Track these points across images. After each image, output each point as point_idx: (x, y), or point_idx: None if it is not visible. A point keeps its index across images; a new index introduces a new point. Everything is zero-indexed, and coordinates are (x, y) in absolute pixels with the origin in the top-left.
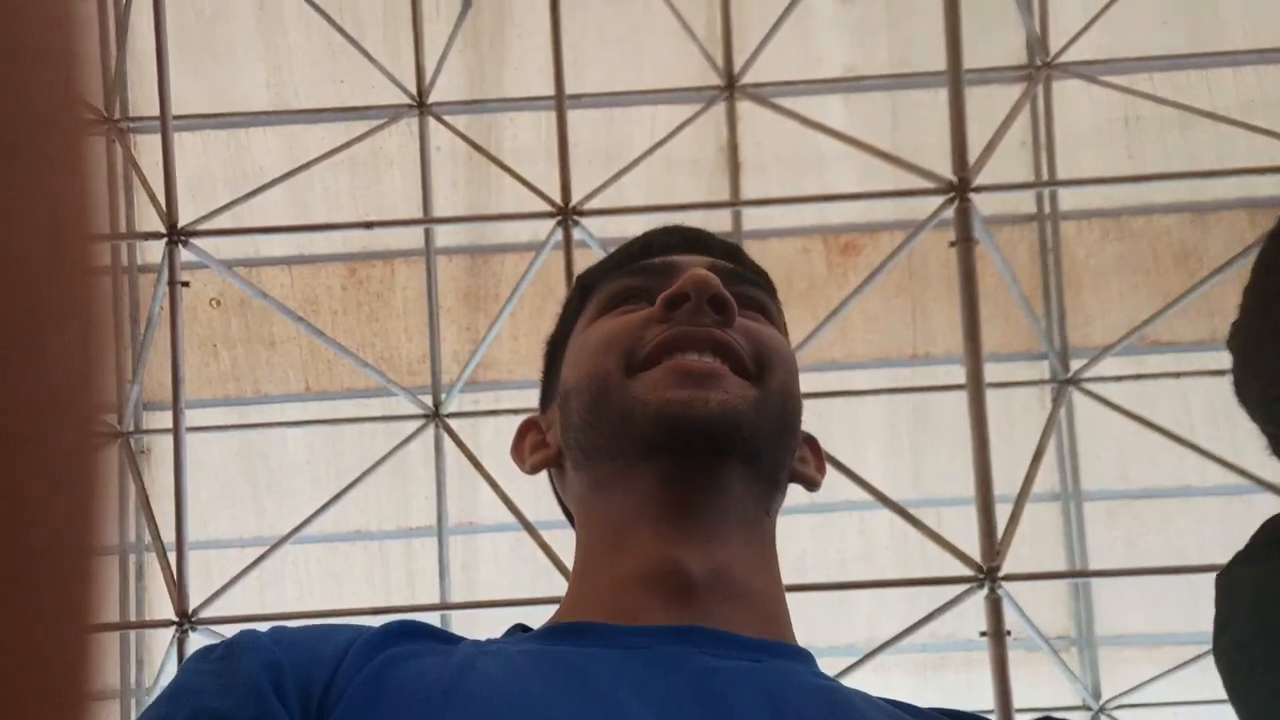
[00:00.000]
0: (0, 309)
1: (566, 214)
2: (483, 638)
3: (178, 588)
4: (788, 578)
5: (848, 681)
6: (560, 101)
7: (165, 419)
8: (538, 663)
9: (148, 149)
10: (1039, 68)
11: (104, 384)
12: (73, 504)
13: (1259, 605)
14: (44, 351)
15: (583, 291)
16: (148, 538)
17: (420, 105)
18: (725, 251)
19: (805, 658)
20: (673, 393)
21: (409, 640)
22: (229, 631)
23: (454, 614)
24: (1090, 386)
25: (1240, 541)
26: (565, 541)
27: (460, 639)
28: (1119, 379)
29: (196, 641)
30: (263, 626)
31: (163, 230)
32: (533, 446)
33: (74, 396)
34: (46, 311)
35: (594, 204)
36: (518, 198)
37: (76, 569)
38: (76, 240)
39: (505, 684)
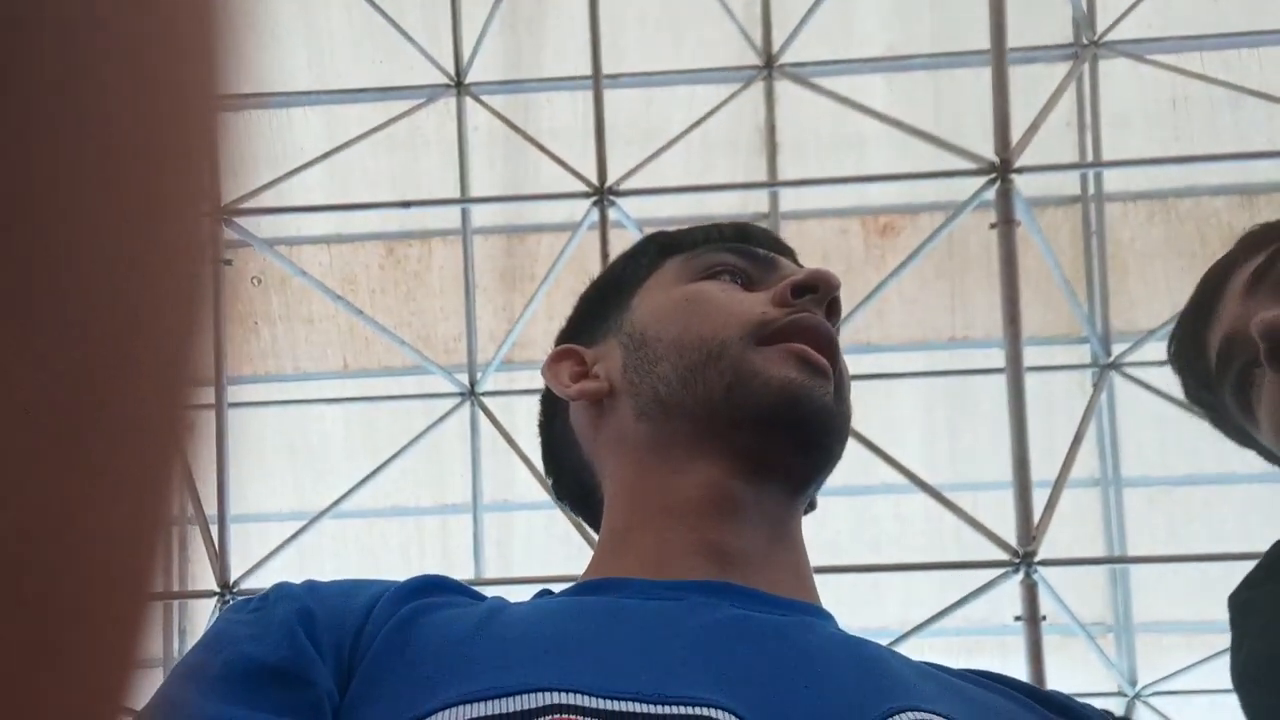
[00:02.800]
0: (124, 290)
1: (603, 194)
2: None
3: (219, 559)
4: (822, 559)
5: None
6: (597, 81)
7: (208, 394)
8: (567, 608)
9: None
10: (1085, 46)
11: (197, 365)
12: (156, 480)
13: (1271, 626)
14: (151, 329)
15: (661, 250)
16: (190, 511)
17: (458, 85)
18: (786, 253)
19: (828, 616)
20: (797, 374)
21: (438, 592)
22: None
23: (488, 590)
24: (1133, 371)
25: None
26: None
27: (484, 596)
28: (1162, 364)
29: None
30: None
31: None
32: (573, 375)
33: (171, 379)
34: (169, 291)
35: (630, 184)
36: (554, 178)
37: (146, 543)
38: (197, 221)
39: (534, 625)
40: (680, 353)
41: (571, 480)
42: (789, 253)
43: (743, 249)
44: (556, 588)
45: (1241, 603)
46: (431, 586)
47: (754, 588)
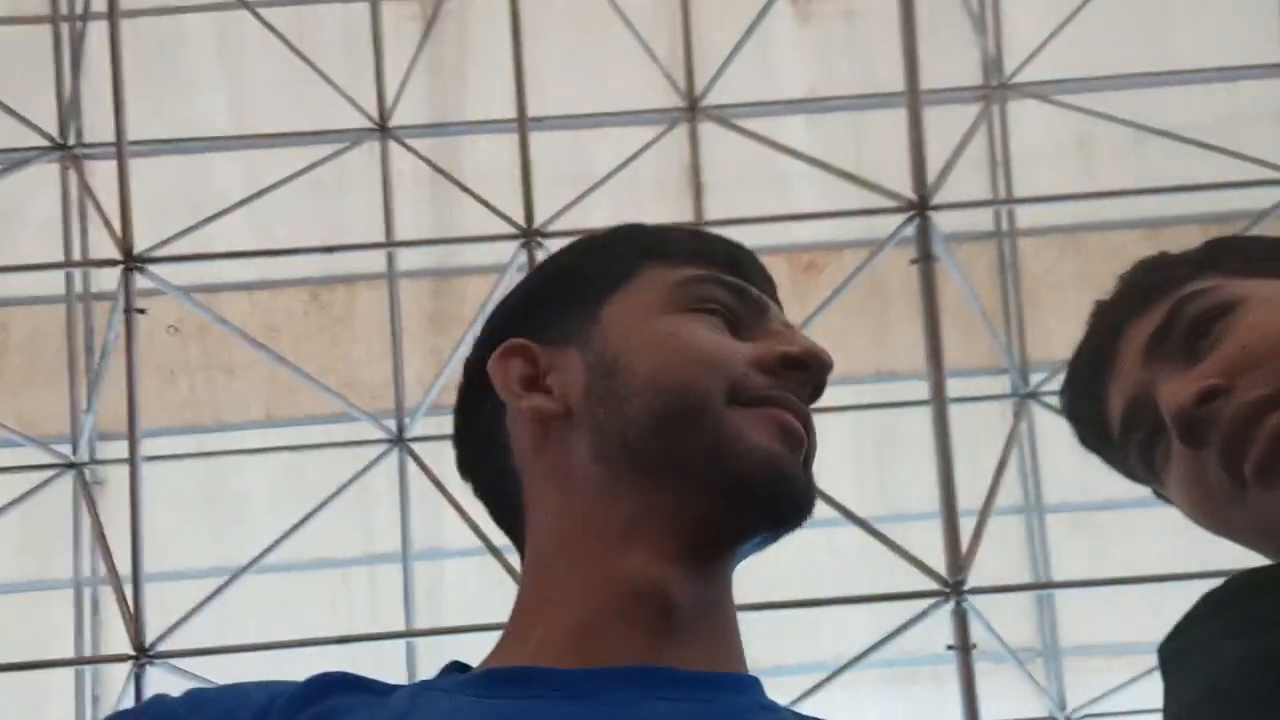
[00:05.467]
0: None
1: (530, 236)
2: (419, 678)
3: (134, 621)
4: (757, 596)
5: (816, 699)
6: (522, 124)
7: (122, 449)
8: (479, 712)
9: (105, 176)
10: (994, 88)
11: None
12: None
13: (1204, 663)
14: None
15: (642, 252)
16: (103, 570)
17: (382, 129)
18: (771, 288)
19: (754, 686)
20: (781, 447)
21: (337, 693)
22: (187, 665)
23: (420, 641)
24: (1051, 400)
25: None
26: None
27: (392, 687)
28: None
29: (154, 675)
30: (220, 659)
31: (118, 257)
32: (523, 381)
33: None
34: None
35: (558, 226)
36: (481, 220)
37: None
38: None
39: None
40: (655, 394)
41: (492, 483)
42: (774, 289)
43: (737, 287)
44: (476, 649)
45: (1172, 652)
46: (329, 686)
47: (681, 667)
